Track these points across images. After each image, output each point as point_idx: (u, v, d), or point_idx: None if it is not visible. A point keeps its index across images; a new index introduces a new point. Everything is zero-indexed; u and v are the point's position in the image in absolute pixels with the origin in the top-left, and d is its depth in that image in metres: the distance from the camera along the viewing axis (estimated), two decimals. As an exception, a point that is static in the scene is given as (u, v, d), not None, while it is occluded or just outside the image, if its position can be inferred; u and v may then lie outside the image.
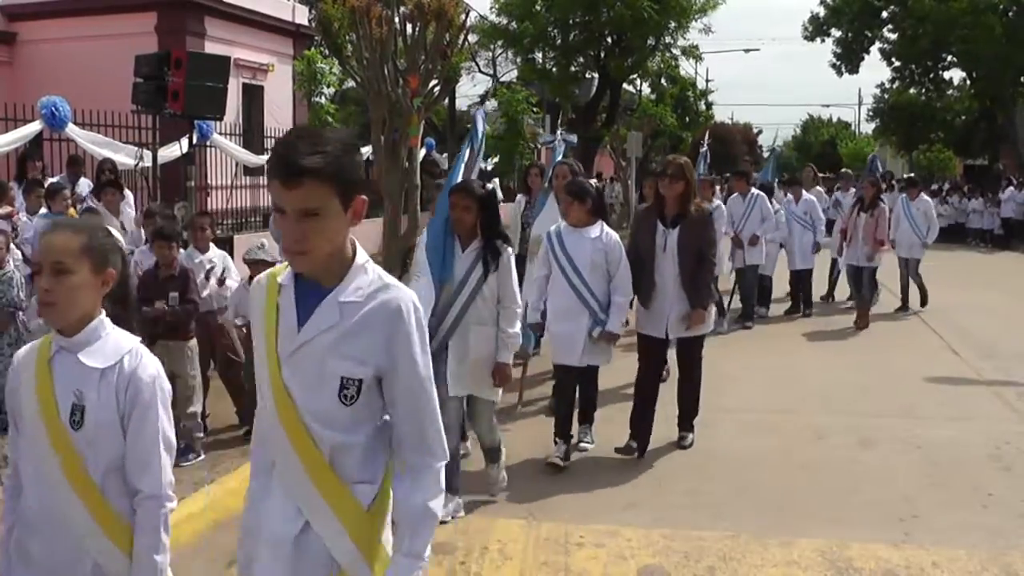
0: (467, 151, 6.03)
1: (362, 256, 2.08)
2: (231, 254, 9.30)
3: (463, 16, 15.21)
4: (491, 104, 29.50)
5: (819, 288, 12.59)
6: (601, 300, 5.72)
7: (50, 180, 9.51)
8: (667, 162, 6.07)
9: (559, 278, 5.79)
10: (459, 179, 5.47)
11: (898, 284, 12.33)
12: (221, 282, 6.38)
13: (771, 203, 11.15)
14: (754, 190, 10.94)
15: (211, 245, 6.69)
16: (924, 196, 12.62)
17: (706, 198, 9.37)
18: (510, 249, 4.93)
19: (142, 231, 7.45)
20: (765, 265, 11.14)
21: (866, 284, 10.92)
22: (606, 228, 5.81)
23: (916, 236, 12.04)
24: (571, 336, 5.76)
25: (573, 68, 24.62)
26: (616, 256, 5.73)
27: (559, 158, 8.48)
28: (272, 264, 6.36)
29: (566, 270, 5.74)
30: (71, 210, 7.69)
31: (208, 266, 6.48)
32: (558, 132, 9.27)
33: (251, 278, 6.33)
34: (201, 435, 5.94)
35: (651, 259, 5.87)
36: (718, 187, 11.47)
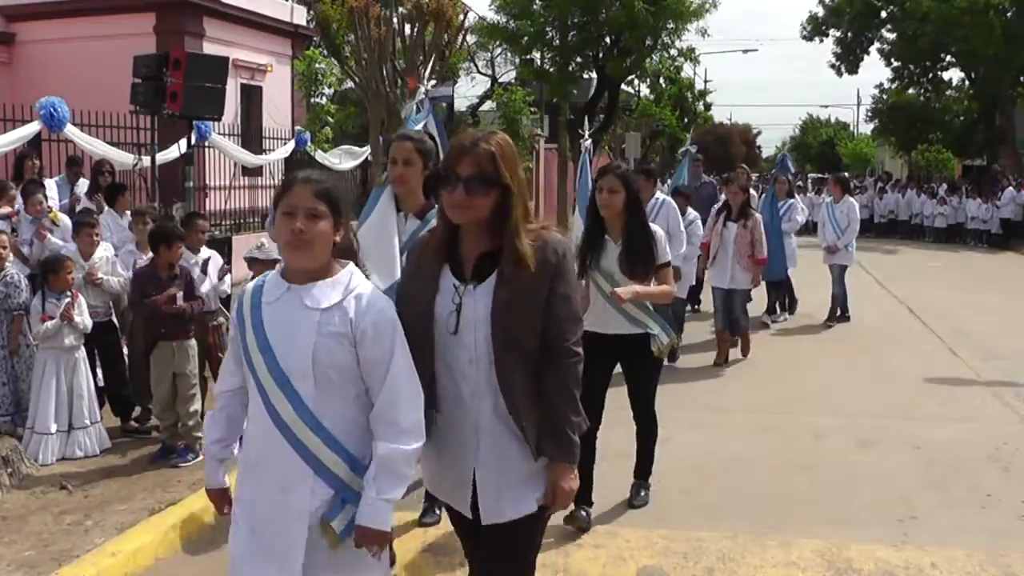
0: None
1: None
2: (230, 254, 9.34)
3: (461, 16, 15.21)
4: (489, 105, 29.53)
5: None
6: (350, 449, 2.53)
7: (51, 180, 9.52)
8: (460, 151, 2.61)
9: (255, 397, 2.58)
10: None
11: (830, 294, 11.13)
12: (222, 275, 6.50)
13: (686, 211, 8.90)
14: (660, 195, 8.24)
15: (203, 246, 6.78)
16: (849, 198, 11.42)
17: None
18: None
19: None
20: (678, 286, 8.73)
21: (738, 309, 8.90)
22: (360, 283, 2.58)
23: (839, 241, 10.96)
24: (272, 529, 2.55)
25: (571, 68, 24.61)
26: (380, 351, 2.50)
27: (415, 126, 4.74)
28: (272, 264, 6.41)
29: (261, 381, 2.53)
30: (53, 213, 7.67)
31: (201, 264, 6.56)
32: (421, 86, 5.43)
33: (252, 278, 6.35)
34: (200, 435, 5.94)
35: (429, 346, 2.64)
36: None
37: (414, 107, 5.22)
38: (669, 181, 13.55)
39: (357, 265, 2.61)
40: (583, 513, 4.76)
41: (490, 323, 2.59)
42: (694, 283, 10.11)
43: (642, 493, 5.21)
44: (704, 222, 9.41)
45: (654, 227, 4.83)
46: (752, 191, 12.37)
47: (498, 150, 2.59)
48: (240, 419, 2.73)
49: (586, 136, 10.57)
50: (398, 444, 2.48)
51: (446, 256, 2.69)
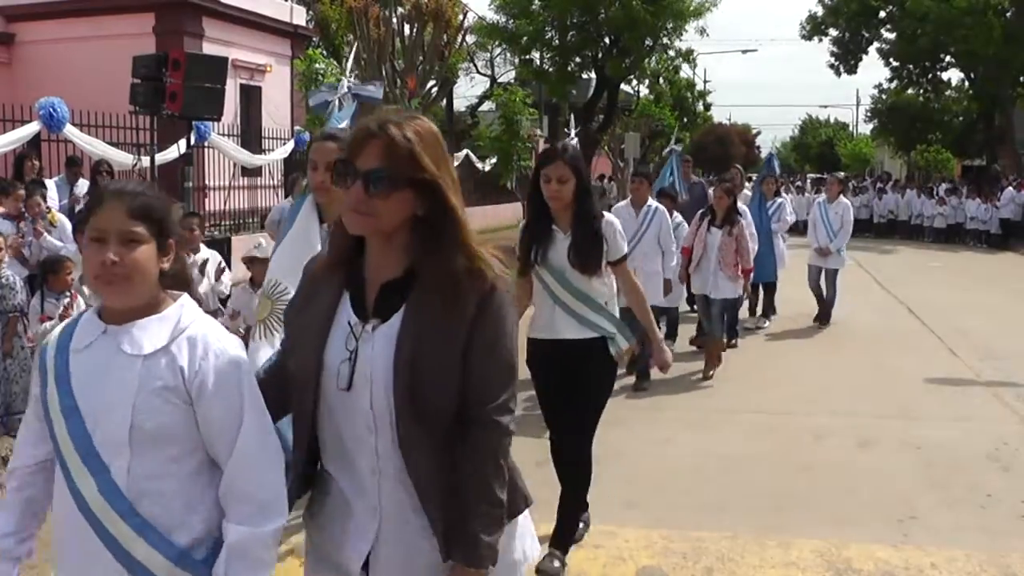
0: None
1: None
2: (229, 255, 9.35)
3: (461, 16, 15.21)
4: (489, 105, 29.55)
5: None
6: (176, 539, 1.92)
7: (50, 180, 9.53)
8: (363, 136, 1.88)
9: (58, 473, 2.05)
10: None
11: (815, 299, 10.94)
12: (219, 275, 6.48)
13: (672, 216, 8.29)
14: (652, 202, 7.75)
15: (201, 246, 6.77)
16: (843, 199, 11.02)
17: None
18: None
19: None
20: (672, 296, 8.37)
21: (716, 317, 8.37)
22: (195, 320, 2.04)
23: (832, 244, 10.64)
24: None
25: (570, 68, 24.69)
26: (224, 408, 1.93)
27: (339, 123, 4.30)
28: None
29: (63, 453, 1.97)
30: (52, 213, 7.69)
31: (199, 265, 6.56)
32: (344, 79, 4.72)
33: (251, 279, 6.32)
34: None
35: (312, 403, 1.96)
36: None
37: (336, 102, 4.45)
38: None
39: (193, 297, 2.09)
40: (580, 526, 4.46)
41: (391, 378, 1.88)
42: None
43: (555, 564, 4.09)
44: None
45: (609, 217, 4.20)
46: (749, 192, 12.28)
47: (416, 137, 1.86)
48: (44, 503, 2.06)
49: (572, 135, 10.40)
50: (253, 525, 1.90)
51: (346, 281, 1.98)
